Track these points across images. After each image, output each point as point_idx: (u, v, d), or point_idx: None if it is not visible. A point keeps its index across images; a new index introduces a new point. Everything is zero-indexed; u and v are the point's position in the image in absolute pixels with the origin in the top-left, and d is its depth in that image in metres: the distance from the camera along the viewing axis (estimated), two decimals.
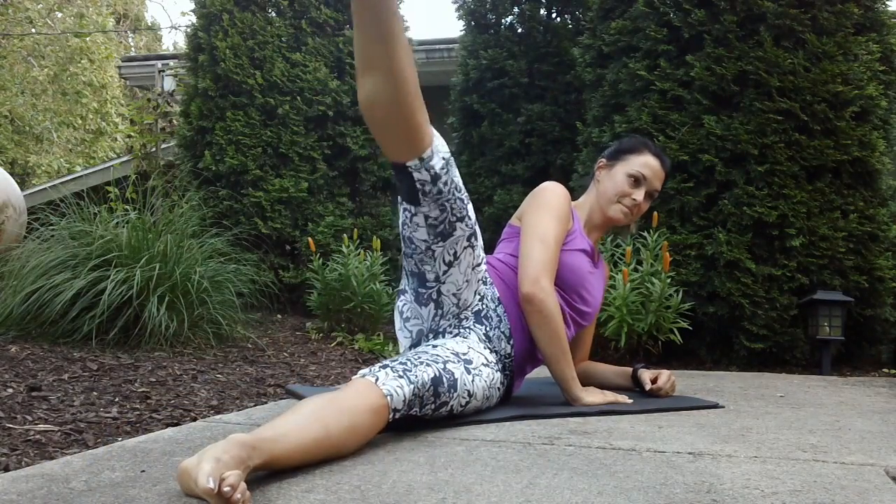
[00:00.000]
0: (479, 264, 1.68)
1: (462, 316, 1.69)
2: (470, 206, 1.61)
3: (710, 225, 3.29)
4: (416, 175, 1.48)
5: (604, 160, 2.05)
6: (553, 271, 1.78)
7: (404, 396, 1.35)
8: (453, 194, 1.53)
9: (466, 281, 1.65)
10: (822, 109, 3.21)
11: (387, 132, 1.47)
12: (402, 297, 1.76)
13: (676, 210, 3.33)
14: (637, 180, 1.97)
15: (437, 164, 1.49)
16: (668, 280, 2.98)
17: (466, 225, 1.59)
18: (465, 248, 1.61)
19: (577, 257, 1.88)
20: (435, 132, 1.51)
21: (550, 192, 1.87)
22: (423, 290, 1.66)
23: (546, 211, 1.83)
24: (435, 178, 1.49)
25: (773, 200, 3.19)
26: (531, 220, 1.83)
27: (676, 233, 3.29)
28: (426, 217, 1.54)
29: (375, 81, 1.39)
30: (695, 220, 3.31)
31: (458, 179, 1.56)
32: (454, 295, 1.65)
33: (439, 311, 1.67)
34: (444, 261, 1.60)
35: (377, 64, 1.38)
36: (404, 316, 1.75)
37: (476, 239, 1.64)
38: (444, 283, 1.63)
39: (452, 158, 1.55)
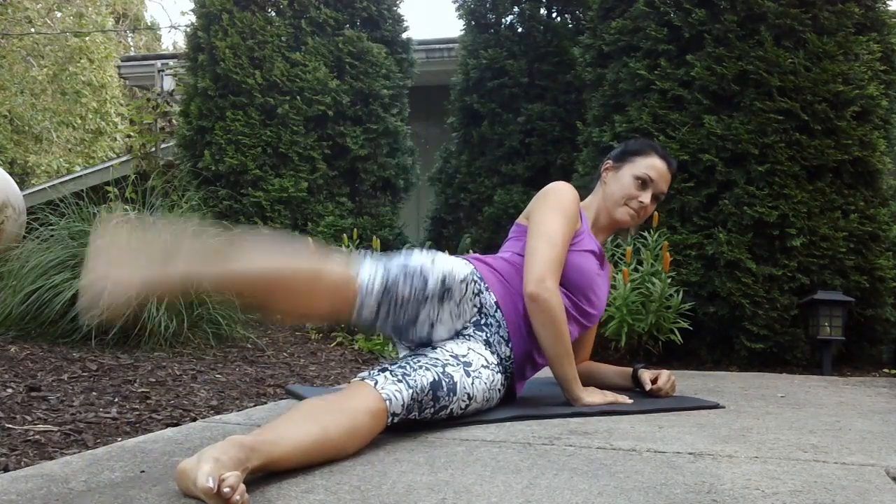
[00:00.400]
0: (463, 295, 1.63)
1: (461, 328, 1.68)
2: (432, 276, 1.54)
3: (711, 225, 3.29)
4: (359, 326, 1.55)
5: (610, 162, 2.02)
6: (559, 271, 1.76)
7: (403, 401, 1.35)
8: (406, 304, 1.52)
9: (457, 316, 1.64)
10: (823, 109, 3.21)
11: (316, 322, 1.55)
12: None
13: (677, 210, 3.33)
14: (644, 182, 1.95)
15: (370, 306, 1.50)
16: (669, 280, 2.98)
17: (431, 300, 1.55)
18: (438, 311, 1.58)
19: (585, 258, 1.86)
20: (361, 267, 1.50)
21: (559, 192, 1.84)
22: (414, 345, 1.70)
23: (553, 210, 1.81)
24: (374, 320, 1.52)
25: (773, 200, 3.19)
26: (538, 218, 1.81)
27: (677, 233, 3.29)
28: (384, 327, 1.59)
29: (274, 312, 1.51)
30: (695, 220, 3.31)
31: (407, 286, 1.51)
32: (447, 331, 1.64)
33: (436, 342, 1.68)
34: (422, 332, 1.61)
35: (269, 308, 1.49)
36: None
37: (450, 293, 1.58)
38: (432, 337, 1.63)
39: (392, 272, 1.51)
